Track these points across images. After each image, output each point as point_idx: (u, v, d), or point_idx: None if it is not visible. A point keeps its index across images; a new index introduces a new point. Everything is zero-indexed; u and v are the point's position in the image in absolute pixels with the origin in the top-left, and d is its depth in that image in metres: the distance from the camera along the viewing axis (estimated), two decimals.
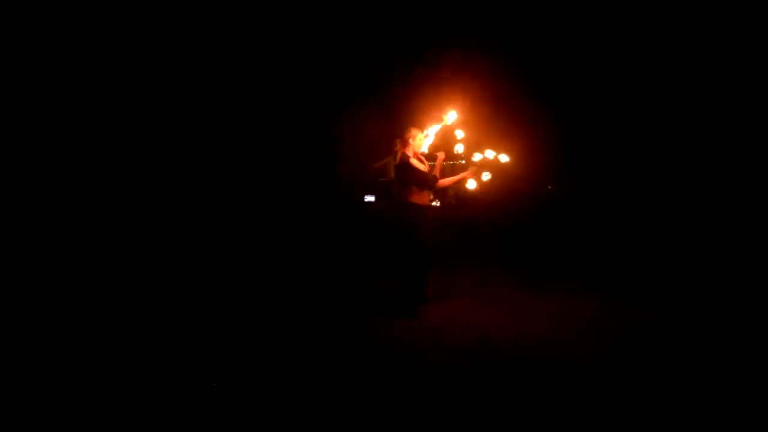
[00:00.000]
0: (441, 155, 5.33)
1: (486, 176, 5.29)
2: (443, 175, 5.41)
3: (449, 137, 5.48)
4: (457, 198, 19.94)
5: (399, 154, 5.15)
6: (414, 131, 5.16)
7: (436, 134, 5.41)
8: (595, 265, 7.95)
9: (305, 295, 5.92)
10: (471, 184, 5.30)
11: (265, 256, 8.69)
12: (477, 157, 5.38)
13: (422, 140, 5.24)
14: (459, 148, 5.46)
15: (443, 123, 5.32)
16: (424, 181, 5.05)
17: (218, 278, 6.76)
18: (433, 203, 5.54)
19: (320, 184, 17.31)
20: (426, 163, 5.27)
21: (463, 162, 5.53)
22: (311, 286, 6.37)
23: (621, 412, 3.05)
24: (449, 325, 4.76)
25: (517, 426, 2.91)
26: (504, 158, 5.34)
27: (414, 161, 5.08)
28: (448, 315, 5.07)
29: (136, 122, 12.04)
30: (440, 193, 5.37)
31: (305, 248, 9.73)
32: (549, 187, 21.36)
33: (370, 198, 19.34)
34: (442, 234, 8.75)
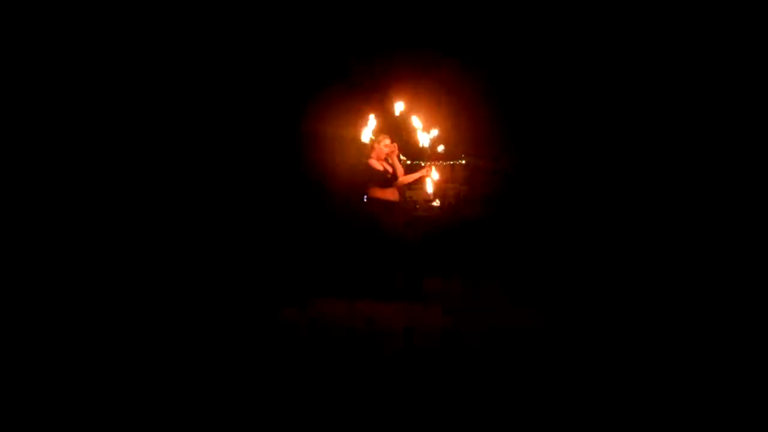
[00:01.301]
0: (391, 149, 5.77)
1: (435, 175, 5.84)
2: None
3: (412, 136, 5.83)
4: (457, 199, 19.95)
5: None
6: (381, 136, 5.75)
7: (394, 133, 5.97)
8: (591, 264, 7.98)
9: (302, 293, 5.95)
10: (429, 186, 5.89)
11: (260, 253, 8.68)
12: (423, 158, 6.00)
13: (387, 144, 5.77)
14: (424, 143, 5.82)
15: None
16: (384, 180, 5.64)
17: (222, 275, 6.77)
18: (434, 203, 5.74)
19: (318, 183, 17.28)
20: (393, 163, 5.77)
21: (421, 162, 5.96)
22: (305, 284, 6.39)
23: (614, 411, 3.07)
24: (447, 325, 4.79)
25: (513, 425, 2.93)
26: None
27: (372, 161, 5.65)
28: (446, 314, 5.11)
29: (120, 122, 11.95)
30: (437, 193, 5.79)
31: (303, 244, 9.74)
32: (546, 188, 21.43)
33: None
34: (438, 234, 8.78)
